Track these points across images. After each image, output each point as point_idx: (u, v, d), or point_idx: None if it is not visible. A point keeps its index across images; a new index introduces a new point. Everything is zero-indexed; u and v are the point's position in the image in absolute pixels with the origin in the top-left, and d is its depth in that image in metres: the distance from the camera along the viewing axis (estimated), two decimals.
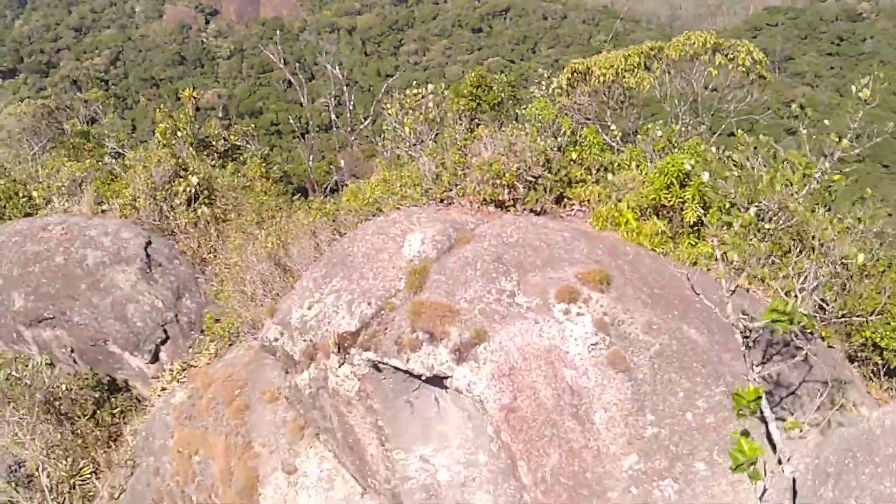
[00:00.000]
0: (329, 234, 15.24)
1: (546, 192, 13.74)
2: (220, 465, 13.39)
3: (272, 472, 12.75)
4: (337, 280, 12.17)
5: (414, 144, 16.81)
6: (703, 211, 12.24)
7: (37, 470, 15.55)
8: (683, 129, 16.56)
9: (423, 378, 10.72)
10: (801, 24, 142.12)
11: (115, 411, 16.92)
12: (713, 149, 10.21)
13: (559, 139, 14.41)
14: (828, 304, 10.67)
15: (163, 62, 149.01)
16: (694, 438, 9.80)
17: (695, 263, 12.46)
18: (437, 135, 16.95)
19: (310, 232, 15.60)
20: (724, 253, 9.92)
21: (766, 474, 9.46)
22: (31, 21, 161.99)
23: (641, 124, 17.13)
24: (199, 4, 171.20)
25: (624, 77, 17.69)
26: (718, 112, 18.74)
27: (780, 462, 9.17)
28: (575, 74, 18.56)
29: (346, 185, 19.12)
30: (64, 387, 16.46)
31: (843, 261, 8.90)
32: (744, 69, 17.68)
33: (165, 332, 17.21)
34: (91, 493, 15.87)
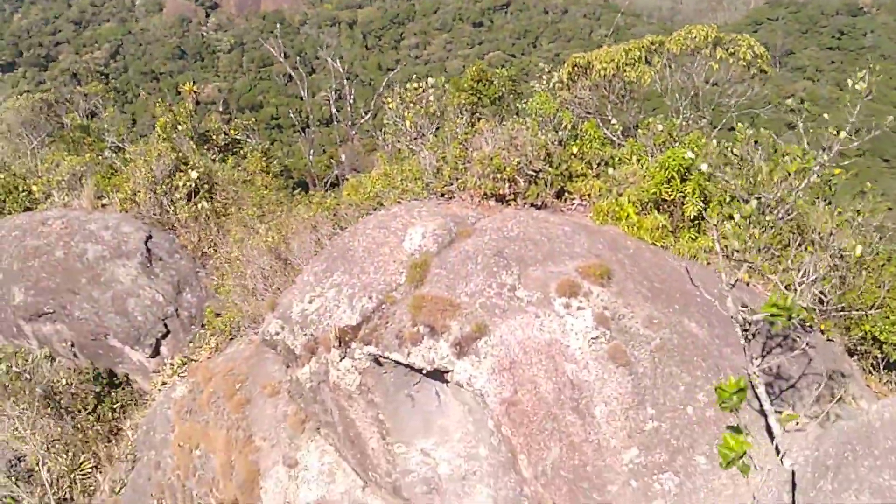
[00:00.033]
0: (330, 228, 15.24)
1: (547, 186, 13.73)
2: (221, 458, 13.41)
3: (273, 466, 12.77)
4: (338, 274, 12.18)
5: (415, 138, 16.80)
6: (703, 205, 12.25)
7: (37, 464, 15.57)
8: (684, 123, 16.54)
9: (424, 372, 10.73)
10: (801, 19, 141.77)
11: (115, 406, 16.94)
12: (714, 142, 10.18)
13: (560, 133, 14.40)
14: (826, 296, 10.68)
15: (163, 56, 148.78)
16: (694, 432, 9.82)
17: (695, 257, 12.47)
18: (437, 129, 16.93)
19: (310, 226, 15.60)
20: (725, 246, 9.93)
21: (757, 467, 9.49)
22: (31, 14, 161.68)
23: (642, 118, 17.11)
24: None
25: (625, 71, 17.67)
26: (719, 106, 18.72)
27: (779, 455, 9.18)
28: (576, 69, 18.53)
29: (347, 179, 19.10)
30: (64, 381, 16.47)
31: (841, 253, 8.91)
32: (744, 63, 17.66)
33: (166, 326, 17.22)
34: (92, 488, 15.90)
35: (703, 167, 9.88)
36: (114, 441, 16.44)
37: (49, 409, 16.27)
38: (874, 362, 12.36)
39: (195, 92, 31.78)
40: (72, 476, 15.74)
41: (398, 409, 11.15)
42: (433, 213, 12.99)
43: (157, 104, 26.95)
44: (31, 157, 26.73)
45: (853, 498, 8.88)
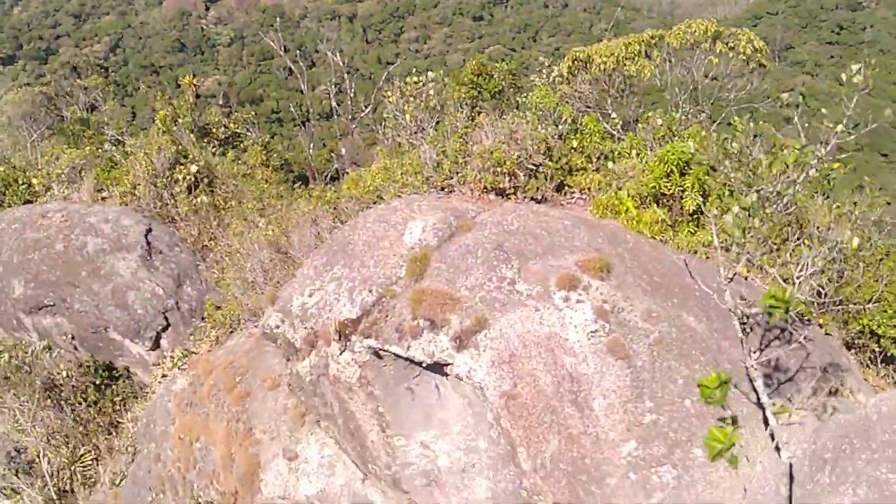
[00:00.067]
0: (330, 221, 15.26)
1: (547, 180, 13.76)
2: (221, 451, 13.46)
3: (273, 459, 12.83)
4: (338, 268, 12.21)
5: (415, 132, 16.81)
6: (702, 199, 12.28)
7: (38, 456, 15.63)
8: (684, 117, 16.56)
9: (424, 365, 10.77)
10: (801, 13, 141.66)
11: (115, 398, 16.98)
12: (714, 135, 10.21)
13: (560, 127, 14.42)
14: (825, 289, 10.72)
15: (163, 49, 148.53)
16: (692, 425, 9.86)
17: (694, 251, 12.51)
18: (437, 123, 16.94)
19: (311, 220, 15.62)
20: (723, 241, 9.97)
21: (749, 460, 9.56)
22: (31, 7, 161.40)
23: (642, 112, 17.13)
24: None
25: (625, 65, 17.68)
26: (718, 101, 18.74)
27: (776, 448, 9.23)
28: (576, 63, 18.54)
29: (347, 172, 19.13)
30: (65, 373, 16.51)
31: (839, 245, 8.94)
32: (744, 57, 17.67)
33: (166, 319, 17.26)
34: (92, 479, 15.96)
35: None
36: (114, 433, 16.49)
37: (49, 401, 16.32)
38: (872, 356, 12.40)
39: (195, 85, 31.77)
40: (72, 468, 15.80)
41: (398, 401, 11.20)
42: (433, 206, 13.02)
43: (157, 97, 26.95)
44: (31, 149, 26.73)
45: (850, 491, 8.93)
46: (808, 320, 11.50)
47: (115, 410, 16.80)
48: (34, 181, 21.50)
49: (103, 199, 20.22)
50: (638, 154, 14.12)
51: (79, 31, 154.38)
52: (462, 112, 16.30)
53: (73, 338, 17.42)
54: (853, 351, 12.42)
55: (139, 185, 19.32)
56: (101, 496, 15.43)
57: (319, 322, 11.64)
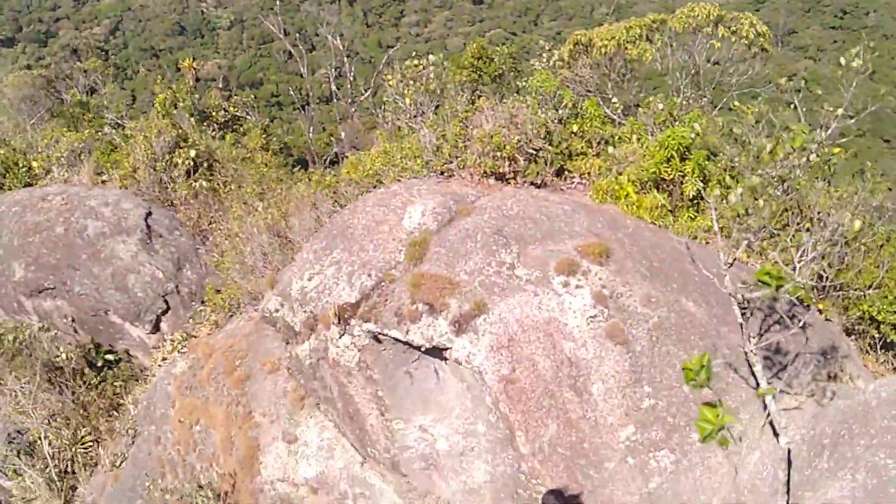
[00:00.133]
0: (329, 205, 15.24)
1: (547, 164, 13.72)
2: (220, 434, 13.51)
3: (273, 442, 12.87)
4: (337, 252, 12.20)
5: (414, 116, 16.76)
6: (702, 184, 12.25)
7: (39, 438, 15.69)
8: (685, 102, 16.50)
9: (423, 349, 10.78)
10: None
11: (116, 381, 17.03)
12: (719, 120, 10.16)
13: (560, 112, 14.37)
14: (826, 273, 10.70)
15: (162, 32, 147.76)
16: (691, 410, 9.88)
17: (694, 237, 12.49)
18: (437, 107, 16.89)
19: (310, 204, 15.60)
20: (723, 226, 9.95)
21: (736, 442, 9.59)
22: None
23: (643, 97, 17.08)
24: None
25: (626, 49, 17.60)
26: (720, 85, 18.67)
27: (775, 433, 9.26)
28: (577, 47, 18.46)
29: (347, 156, 19.06)
30: (64, 355, 16.54)
31: (840, 228, 8.93)
32: (747, 42, 17.59)
33: (166, 302, 17.26)
34: (93, 461, 16.02)
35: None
36: (114, 416, 16.54)
37: (50, 383, 16.36)
38: (871, 342, 12.42)
39: (195, 68, 31.71)
40: (73, 450, 15.86)
41: (397, 385, 11.22)
42: (433, 191, 12.99)
43: (157, 81, 26.88)
44: (31, 132, 26.67)
45: (849, 476, 8.96)
46: (808, 306, 11.50)
47: (116, 393, 16.85)
48: (34, 164, 21.45)
49: (103, 182, 20.19)
50: (638, 139, 14.08)
51: (78, 14, 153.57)
52: (462, 96, 16.26)
53: (73, 321, 17.44)
54: (853, 337, 12.44)
55: (139, 168, 19.28)
56: (101, 478, 15.49)
57: (319, 306, 11.65)
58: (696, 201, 13.00)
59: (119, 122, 26.13)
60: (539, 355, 10.18)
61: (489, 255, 11.07)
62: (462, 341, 10.39)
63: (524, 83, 16.09)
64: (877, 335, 12.32)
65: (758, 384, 9.49)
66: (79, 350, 17.02)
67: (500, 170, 13.65)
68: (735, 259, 9.32)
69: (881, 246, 12.37)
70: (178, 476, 13.86)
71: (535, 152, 13.70)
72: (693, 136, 12.49)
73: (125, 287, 17.01)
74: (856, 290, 12.01)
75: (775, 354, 10.32)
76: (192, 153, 19.25)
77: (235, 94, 30.51)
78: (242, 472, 12.98)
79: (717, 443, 5.50)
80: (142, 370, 17.34)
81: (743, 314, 9.21)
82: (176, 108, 22.79)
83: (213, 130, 24.24)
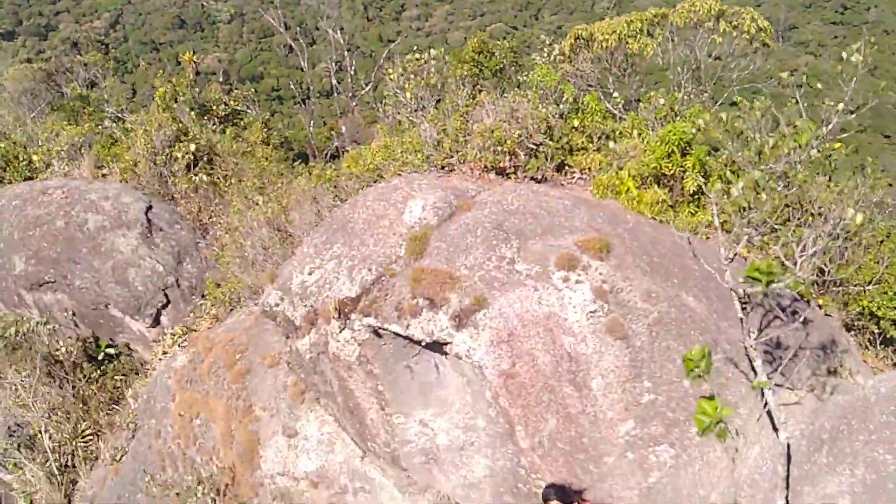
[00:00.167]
0: (330, 200, 15.23)
1: (547, 159, 13.71)
2: (221, 428, 13.53)
3: (273, 436, 12.89)
4: (337, 246, 12.20)
5: (415, 110, 16.73)
6: (703, 179, 12.24)
7: (39, 431, 15.71)
8: (686, 97, 16.47)
9: (423, 344, 10.79)
10: None
11: (116, 375, 17.05)
12: (723, 115, 10.09)
13: (561, 106, 14.34)
14: (827, 267, 10.70)
15: (162, 26, 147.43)
16: (690, 405, 9.89)
17: (694, 232, 12.48)
18: (438, 101, 16.86)
19: (311, 198, 15.59)
20: (724, 221, 9.94)
21: (732, 435, 9.59)
22: None
23: (644, 92, 17.04)
24: None
25: (627, 43, 17.56)
26: (721, 80, 18.63)
27: (774, 428, 9.27)
28: (578, 41, 18.42)
29: (347, 150, 19.07)
30: (63, 349, 16.56)
31: (842, 222, 8.92)
32: (748, 37, 17.54)
33: (166, 296, 17.28)
34: (93, 455, 16.05)
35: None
36: (115, 409, 16.57)
37: (50, 377, 16.38)
38: (871, 337, 12.43)
39: (195, 62, 31.68)
40: (73, 443, 15.89)
41: (397, 380, 11.23)
42: (433, 185, 12.99)
43: (157, 74, 26.85)
44: (31, 126, 26.63)
45: (847, 471, 8.98)
46: (808, 301, 11.51)
47: (116, 387, 16.87)
48: (35, 158, 21.43)
49: (104, 176, 20.18)
50: (639, 134, 14.06)
51: (78, 7, 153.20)
52: (463, 90, 16.22)
53: (73, 314, 17.46)
54: (853, 332, 12.44)
55: (139, 162, 19.27)
56: (101, 471, 15.52)
57: (319, 300, 11.66)
58: (696, 196, 12.99)
59: (119, 115, 26.10)
60: (539, 350, 10.19)
61: (489, 249, 11.07)
62: (462, 336, 10.40)
63: (525, 77, 16.06)
64: (876, 331, 12.33)
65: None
66: (79, 344, 17.05)
67: (501, 164, 13.64)
68: (735, 254, 9.33)
69: (881, 242, 12.37)
70: (178, 470, 13.88)
71: (535, 147, 13.69)
72: (694, 131, 12.46)
73: (125, 281, 17.02)
74: (856, 285, 12.01)
75: (775, 349, 10.33)
76: (192, 147, 19.23)
77: (236, 88, 30.51)
78: (242, 465, 13.00)
79: (716, 435, 5.53)
80: (142, 364, 17.36)
81: (743, 309, 9.21)
82: (176, 101, 22.77)
83: (214, 124, 24.22)
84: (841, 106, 9.35)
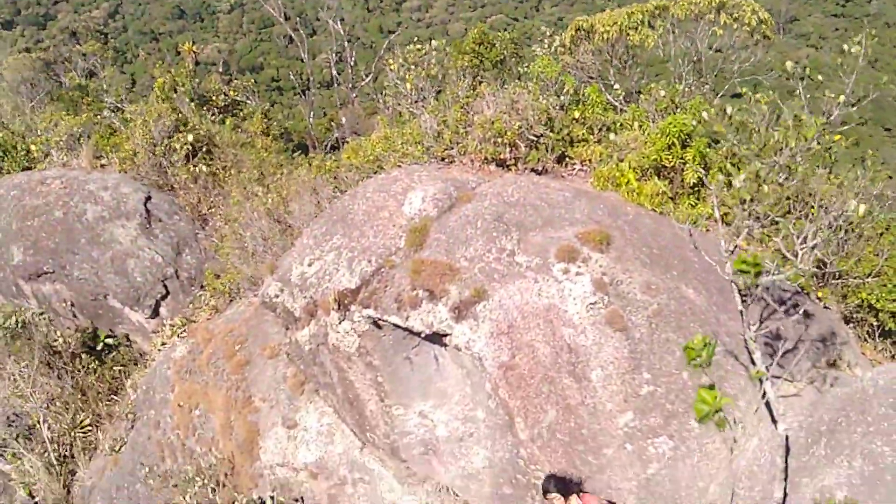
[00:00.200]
0: (330, 191, 15.21)
1: (548, 151, 13.68)
2: (220, 418, 13.54)
3: (272, 427, 12.90)
4: (337, 237, 12.19)
5: (415, 101, 16.70)
6: (703, 171, 12.22)
7: (38, 422, 15.72)
8: (687, 89, 16.43)
9: (423, 335, 10.79)
10: None
11: (115, 365, 17.05)
12: (728, 108, 10.05)
13: (562, 98, 14.31)
14: (830, 258, 10.70)
15: (162, 16, 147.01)
16: (689, 397, 9.89)
17: (694, 223, 12.47)
18: (439, 92, 16.82)
19: (310, 189, 15.56)
20: (724, 213, 9.93)
21: (730, 425, 9.60)
22: None
23: (645, 84, 17.00)
24: None
25: (628, 35, 17.51)
26: (722, 73, 18.59)
27: (773, 420, 9.28)
28: (579, 32, 18.37)
29: (347, 142, 19.03)
30: (61, 340, 16.56)
31: (844, 213, 8.92)
32: (748, 29, 17.50)
33: (165, 287, 17.27)
34: (92, 445, 16.07)
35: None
36: (114, 400, 16.58)
37: (49, 367, 16.38)
38: (870, 330, 12.43)
39: (195, 52, 31.60)
40: (72, 434, 15.90)
41: (397, 371, 11.24)
42: (433, 177, 12.97)
43: (157, 65, 26.80)
44: (29, 116, 26.58)
45: (845, 463, 9.00)
46: (808, 293, 11.51)
47: (115, 377, 16.88)
48: (33, 148, 21.40)
49: (102, 166, 20.14)
50: (640, 126, 14.03)
51: None
52: (463, 81, 16.18)
53: (72, 305, 17.45)
54: (851, 325, 12.44)
55: (138, 152, 19.24)
56: (100, 462, 15.54)
57: (319, 291, 11.65)
58: (696, 189, 12.97)
59: (118, 105, 26.05)
60: (539, 342, 10.19)
61: (489, 241, 11.06)
62: (462, 328, 10.40)
63: (526, 69, 16.01)
64: (875, 323, 12.32)
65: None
66: (78, 334, 17.05)
67: (501, 156, 13.61)
68: (736, 246, 9.32)
69: (881, 234, 12.36)
70: (177, 460, 13.90)
71: (536, 139, 13.66)
72: (695, 123, 12.43)
73: (124, 271, 17.02)
74: (855, 278, 12.00)
75: (775, 341, 10.33)
76: (190, 137, 19.19)
77: (235, 79, 30.45)
78: (242, 456, 13.01)
79: (714, 424, 5.54)
80: (141, 355, 17.37)
81: (743, 301, 9.21)
82: (176, 92, 22.74)
83: (213, 115, 24.18)
84: (842, 98, 9.33)
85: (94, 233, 17.37)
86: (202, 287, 17.36)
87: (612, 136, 13.50)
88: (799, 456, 9.42)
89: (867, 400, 9.24)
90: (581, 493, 9.49)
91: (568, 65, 18.17)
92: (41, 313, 17.13)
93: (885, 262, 11.87)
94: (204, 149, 19.70)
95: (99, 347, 17.22)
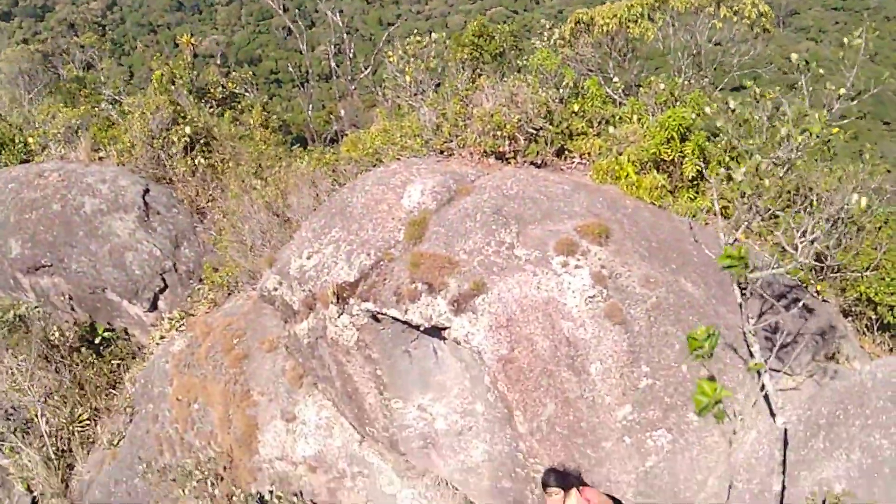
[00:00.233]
0: (328, 184, 15.17)
1: (547, 144, 13.66)
2: (219, 412, 13.53)
3: (271, 420, 12.89)
4: (336, 230, 12.17)
5: (415, 94, 16.66)
6: (703, 165, 12.20)
7: (36, 416, 15.71)
8: (686, 82, 16.40)
9: (422, 329, 10.78)
10: None
11: (113, 359, 17.04)
12: (731, 101, 10.02)
13: (561, 91, 14.28)
14: (829, 251, 10.69)
15: (160, 8, 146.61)
16: (688, 390, 9.90)
17: (693, 216, 12.46)
18: (438, 85, 16.79)
19: (309, 182, 15.53)
20: (723, 207, 9.91)
21: (730, 417, 9.60)
22: None
23: (644, 77, 16.97)
24: None
25: (628, 27, 17.48)
26: (721, 66, 18.57)
27: (772, 413, 9.28)
28: (578, 25, 18.33)
29: (346, 134, 18.98)
30: (58, 333, 16.54)
31: (845, 207, 8.91)
32: (748, 22, 17.47)
33: (164, 280, 17.25)
34: (90, 439, 16.06)
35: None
36: (112, 394, 16.57)
37: (47, 360, 16.37)
38: (868, 323, 12.45)
39: (193, 44, 31.56)
40: (70, 428, 15.89)
41: (395, 364, 11.23)
42: (432, 170, 12.95)
43: (155, 57, 26.74)
44: (27, 108, 26.53)
45: (844, 456, 9.01)
46: (806, 287, 11.51)
47: (113, 371, 16.86)
48: (30, 140, 21.35)
49: (100, 159, 20.09)
50: (639, 119, 14.00)
51: None
52: (463, 74, 16.14)
53: (70, 298, 17.43)
54: (850, 318, 12.45)
55: (136, 145, 19.19)
56: (99, 455, 15.55)
57: (317, 285, 11.64)
58: (695, 182, 12.95)
59: (116, 98, 26.01)
60: (538, 335, 10.19)
61: (488, 234, 11.05)
62: (461, 321, 10.39)
63: (525, 62, 15.98)
64: (874, 316, 12.34)
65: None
66: (76, 328, 17.03)
67: (501, 149, 13.59)
68: (735, 239, 9.30)
69: (879, 228, 12.36)
70: (175, 454, 13.90)
71: (535, 132, 13.63)
72: (694, 116, 12.41)
73: (123, 264, 16.99)
74: (853, 271, 12.01)
75: (773, 335, 10.32)
76: (188, 130, 19.14)
77: (234, 71, 30.42)
78: (240, 450, 13.01)
79: (713, 416, 5.53)
80: (139, 348, 17.35)
81: (742, 294, 9.20)
82: (174, 84, 22.70)
83: (212, 107, 24.14)
84: (843, 91, 9.31)
85: (92, 226, 17.34)
86: (200, 280, 17.34)
87: (611, 129, 13.47)
88: (797, 449, 9.42)
89: (866, 393, 9.24)
90: (580, 487, 9.50)
91: (567, 58, 18.13)
92: (39, 307, 17.10)
93: (883, 256, 11.88)
94: (202, 141, 19.66)
95: (97, 341, 17.20)
